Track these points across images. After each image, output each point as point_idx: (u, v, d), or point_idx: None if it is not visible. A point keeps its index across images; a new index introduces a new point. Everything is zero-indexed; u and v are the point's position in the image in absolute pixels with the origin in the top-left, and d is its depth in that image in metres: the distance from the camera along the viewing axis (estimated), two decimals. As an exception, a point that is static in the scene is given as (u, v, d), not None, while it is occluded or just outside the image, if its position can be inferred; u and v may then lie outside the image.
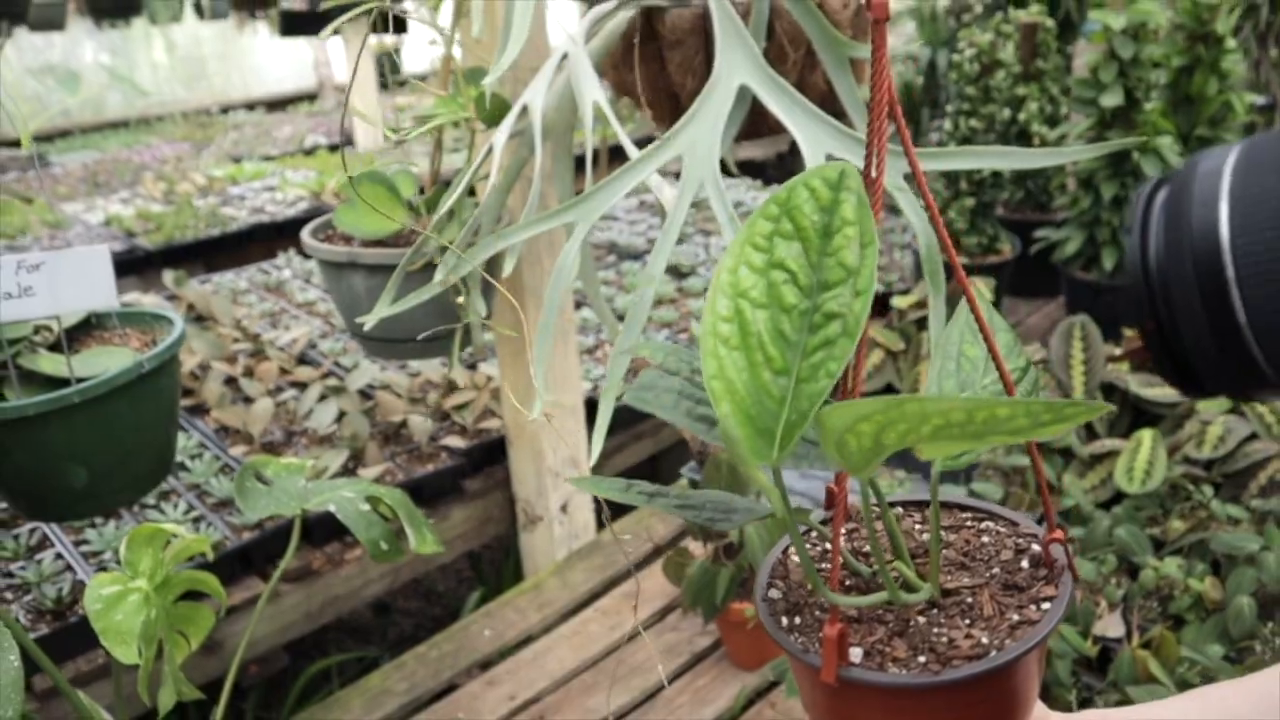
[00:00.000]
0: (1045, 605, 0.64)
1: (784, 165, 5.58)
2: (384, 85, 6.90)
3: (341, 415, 2.90)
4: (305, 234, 1.87)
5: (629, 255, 4.30)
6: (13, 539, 2.43)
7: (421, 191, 1.81)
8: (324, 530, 2.48)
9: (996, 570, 0.68)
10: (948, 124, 3.61)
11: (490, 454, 2.78)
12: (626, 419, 2.93)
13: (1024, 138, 3.57)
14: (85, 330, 1.71)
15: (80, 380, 1.49)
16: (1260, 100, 3.82)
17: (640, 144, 1.21)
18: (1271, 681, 0.73)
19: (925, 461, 0.67)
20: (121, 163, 6.87)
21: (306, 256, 1.86)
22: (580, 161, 1.29)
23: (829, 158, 1.17)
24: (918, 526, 0.74)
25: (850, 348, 0.58)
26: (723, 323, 0.61)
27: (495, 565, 3.05)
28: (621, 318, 3.43)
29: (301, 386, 3.16)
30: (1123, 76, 3.00)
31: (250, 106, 9.33)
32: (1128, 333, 2.74)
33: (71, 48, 8.86)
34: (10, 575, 2.30)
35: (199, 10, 7.72)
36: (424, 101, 1.57)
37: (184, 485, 2.63)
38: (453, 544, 2.70)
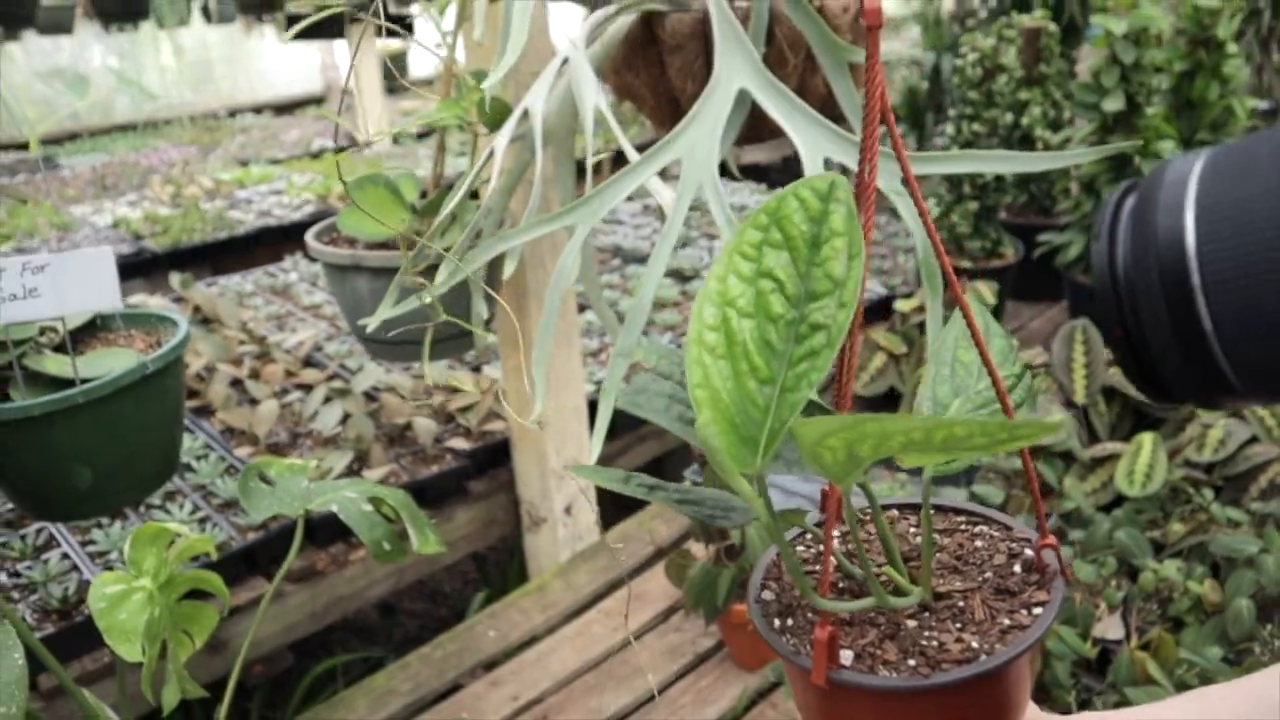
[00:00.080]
0: (1037, 610, 0.64)
1: (788, 169, 5.59)
2: (390, 89, 6.93)
3: (346, 417, 2.91)
4: (310, 237, 1.89)
5: (634, 259, 4.31)
6: (19, 539, 2.44)
7: (424, 195, 1.82)
8: (328, 531, 2.49)
9: (989, 575, 0.68)
10: (950, 128, 3.62)
11: (494, 456, 2.79)
12: (631, 421, 2.94)
13: (1027, 142, 3.58)
14: (90, 332, 1.72)
15: (85, 381, 1.50)
16: (1263, 105, 3.82)
17: (642, 148, 1.22)
18: (1271, 682, 0.74)
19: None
20: (129, 166, 6.89)
21: (313, 260, 1.87)
22: (582, 165, 1.30)
23: (827, 161, 1.18)
24: (912, 530, 0.75)
25: (832, 358, 0.59)
26: (709, 331, 0.61)
27: (500, 567, 3.06)
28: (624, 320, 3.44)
29: (307, 389, 3.17)
30: (1125, 81, 3.01)
31: (257, 110, 9.35)
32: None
33: (80, 51, 8.89)
34: (17, 575, 2.32)
35: (206, 14, 7.73)
36: (429, 105, 1.58)
37: (190, 486, 2.64)
38: (457, 545, 2.71)
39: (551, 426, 2.46)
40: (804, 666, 0.60)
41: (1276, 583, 1.79)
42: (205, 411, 3.05)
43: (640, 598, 2.47)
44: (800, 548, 0.73)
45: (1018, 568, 0.69)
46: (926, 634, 0.63)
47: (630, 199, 5.09)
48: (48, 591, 2.21)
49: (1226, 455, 2.14)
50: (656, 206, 5.13)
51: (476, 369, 3.21)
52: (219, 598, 1.44)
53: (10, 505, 2.57)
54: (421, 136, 7.14)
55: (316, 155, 7.08)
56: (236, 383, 3.21)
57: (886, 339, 2.95)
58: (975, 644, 0.62)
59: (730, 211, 1.15)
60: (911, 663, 0.61)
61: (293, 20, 6.47)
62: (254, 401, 3.08)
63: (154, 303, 3.90)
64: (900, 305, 3.06)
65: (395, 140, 7.15)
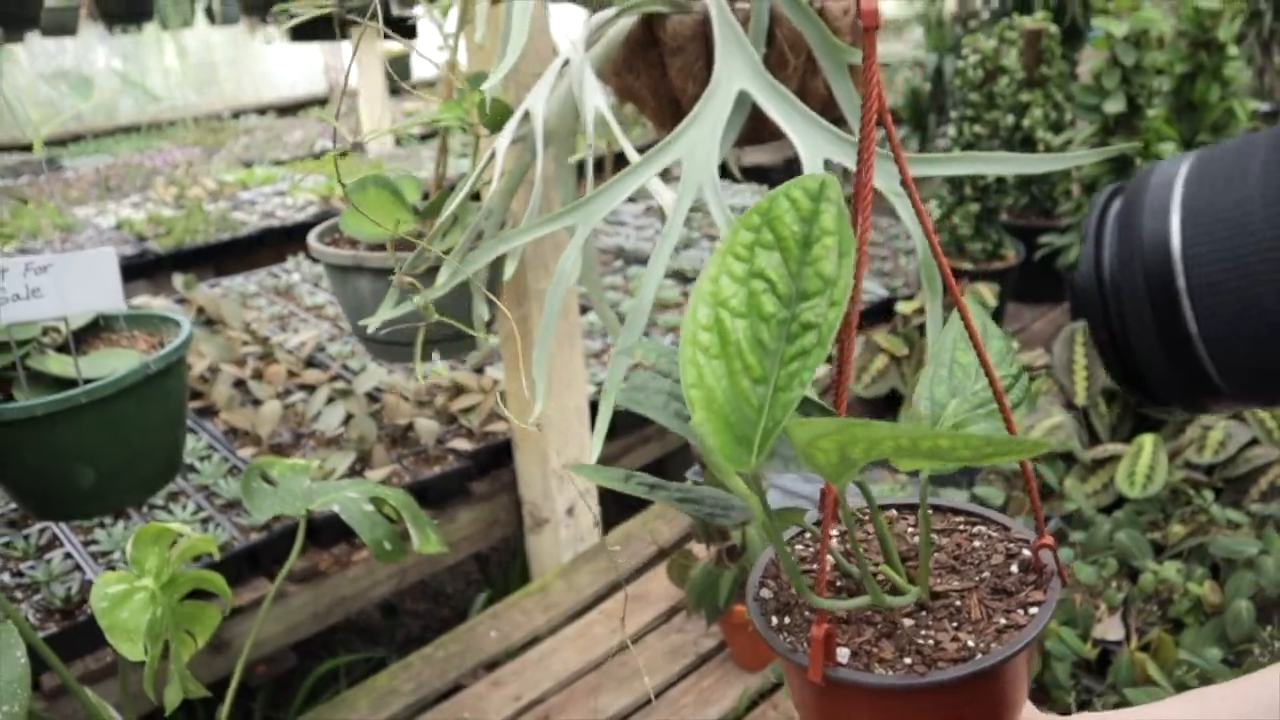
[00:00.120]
0: (1033, 610, 0.64)
1: (791, 171, 5.56)
2: (394, 91, 6.93)
3: (349, 418, 2.92)
4: (312, 238, 1.89)
5: (636, 260, 4.31)
6: (22, 539, 2.45)
7: (426, 196, 1.82)
8: (331, 532, 2.50)
9: (986, 574, 0.69)
10: (951, 130, 3.62)
11: (497, 456, 2.80)
12: (634, 422, 2.94)
13: (1029, 144, 3.58)
14: (93, 332, 1.73)
15: (88, 381, 1.51)
16: (1264, 107, 3.82)
17: (644, 150, 1.23)
18: (1269, 682, 0.74)
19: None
20: (133, 167, 6.90)
21: (315, 261, 1.88)
22: (583, 166, 1.30)
23: (827, 163, 1.18)
24: (910, 530, 0.75)
25: (823, 357, 0.59)
26: (702, 331, 0.62)
27: (503, 567, 3.07)
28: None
29: (310, 389, 3.18)
30: (1125, 83, 3.01)
31: (261, 111, 9.36)
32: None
33: (84, 53, 8.91)
34: (20, 574, 2.32)
35: (210, 15, 7.74)
36: (432, 107, 1.59)
37: (193, 486, 2.65)
38: (459, 546, 2.72)
39: (554, 427, 2.47)
40: (801, 664, 0.61)
41: (1276, 584, 1.79)
42: (208, 412, 3.06)
43: (642, 598, 2.48)
44: (799, 547, 0.73)
45: (1015, 568, 0.69)
46: (923, 633, 0.64)
47: (633, 200, 5.09)
48: (50, 591, 2.22)
49: (1227, 457, 2.14)
50: (659, 208, 5.13)
51: (479, 370, 3.22)
52: (221, 598, 1.44)
53: (13, 505, 2.58)
54: (425, 138, 7.15)
55: (319, 156, 7.09)
56: (239, 383, 3.22)
57: (888, 341, 2.95)
58: (971, 643, 0.62)
59: (730, 213, 1.16)
60: (908, 661, 0.61)
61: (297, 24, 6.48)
62: (257, 402, 3.09)
63: (157, 304, 3.91)
64: (902, 307, 3.06)
65: (399, 142, 7.17)
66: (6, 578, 2.32)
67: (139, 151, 7.60)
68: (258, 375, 3.27)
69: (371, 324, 1.36)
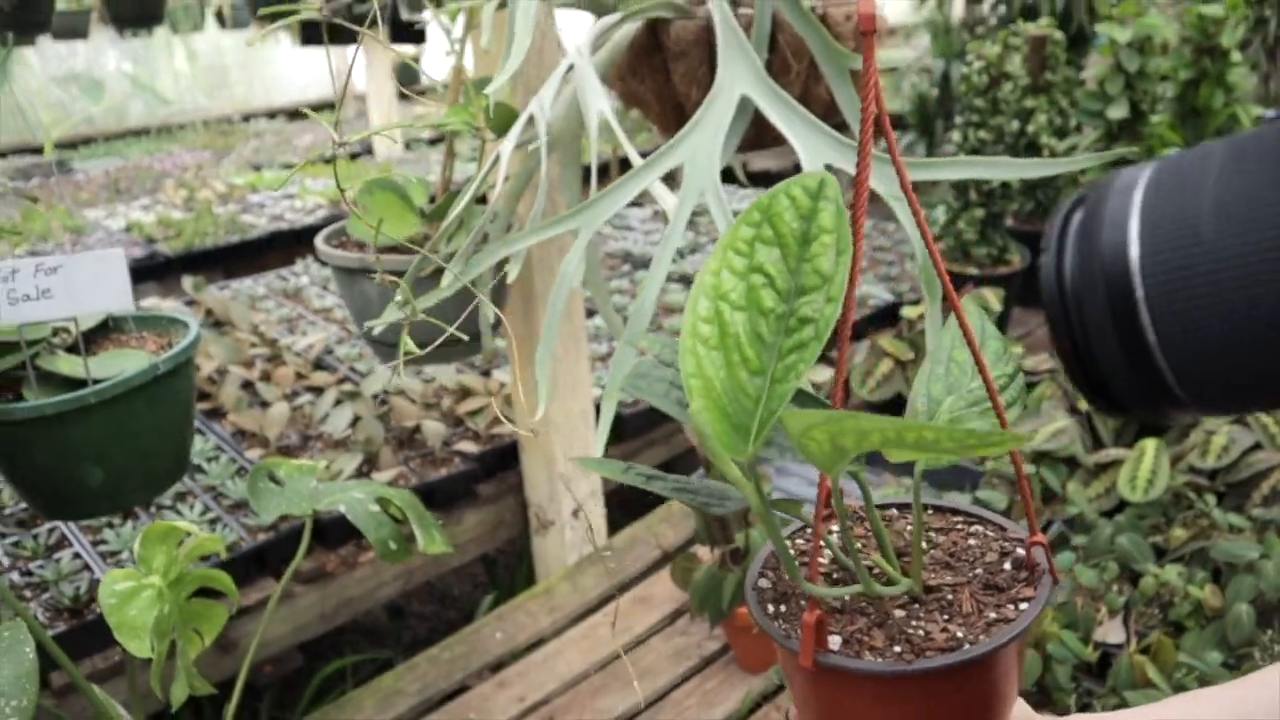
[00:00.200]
0: (1023, 605, 0.66)
1: (798, 175, 5.59)
2: (403, 95, 6.96)
3: (356, 420, 2.94)
4: (319, 240, 1.91)
5: (643, 264, 4.32)
6: (31, 538, 2.47)
7: (433, 200, 1.84)
8: (338, 533, 2.51)
9: (979, 571, 0.70)
10: (956, 135, 3.63)
11: (503, 459, 2.81)
12: (640, 426, 2.95)
13: (1034, 149, 3.59)
14: (102, 333, 1.74)
15: (97, 381, 1.53)
16: (1269, 113, 3.81)
17: (649, 154, 1.24)
18: (1263, 684, 0.75)
19: (927, 469, 0.70)
20: (143, 170, 6.93)
21: (324, 264, 1.89)
22: (588, 169, 1.32)
23: (828, 168, 1.20)
24: (909, 528, 0.77)
25: (819, 350, 0.61)
26: (703, 323, 0.64)
27: (509, 570, 3.08)
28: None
29: (317, 391, 3.20)
30: (1129, 89, 3.02)
31: (271, 115, 9.39)
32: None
33: (95, 56, 8.94)
34: (29, 573, 2.34)
35: (220, 19, 7.77)
36: (441, 111, 1.60)
37: (200, 487, 2.66)
38: (465, 548, 2.73)
39: (559, 430, 2.48)
40: (793, 650, 0.63)
41: (1277, 589, 1.80)
42: (217, 414, 3.07)
43: (647, 601, 2.49)
44: (800, 541, 0.75)
45: (1008, 565, 0.70)
46: (914, 623, 0.65)
47: (640, 205, 5.11)
48: (59, 590, 2.24)
49: (1229, 462, 2.15)
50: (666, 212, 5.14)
51: (486, 373, 3.23)
52: (228, 597, 1.46)
53: (23, 504, 2.60)
54: (434, 142, 7.17)
55: (329, 160, 7.09)
56: (248, 385, 3.23)
57: (893, 345, 2.96)
58: (960, 634, 0.64)
59: (732, 216, 1.17)
60: (897, 649, 0.63)
61: (307, 26, 6.51)
62: (265, 404, 3.10)
63: (166, 306, 3.93)
64: (907, 311, 3.07)
65: (408, 146, 7.19)
66: (16, 577, 2.33)
67: (149, 154, 7.63)
68: (266, 377, 3.28)
69: (377, 326, 1.37)
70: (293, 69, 10.13)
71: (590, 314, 3.54)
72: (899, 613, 0.67)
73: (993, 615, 0.66)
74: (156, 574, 1.34)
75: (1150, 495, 2.08)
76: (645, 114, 1.64)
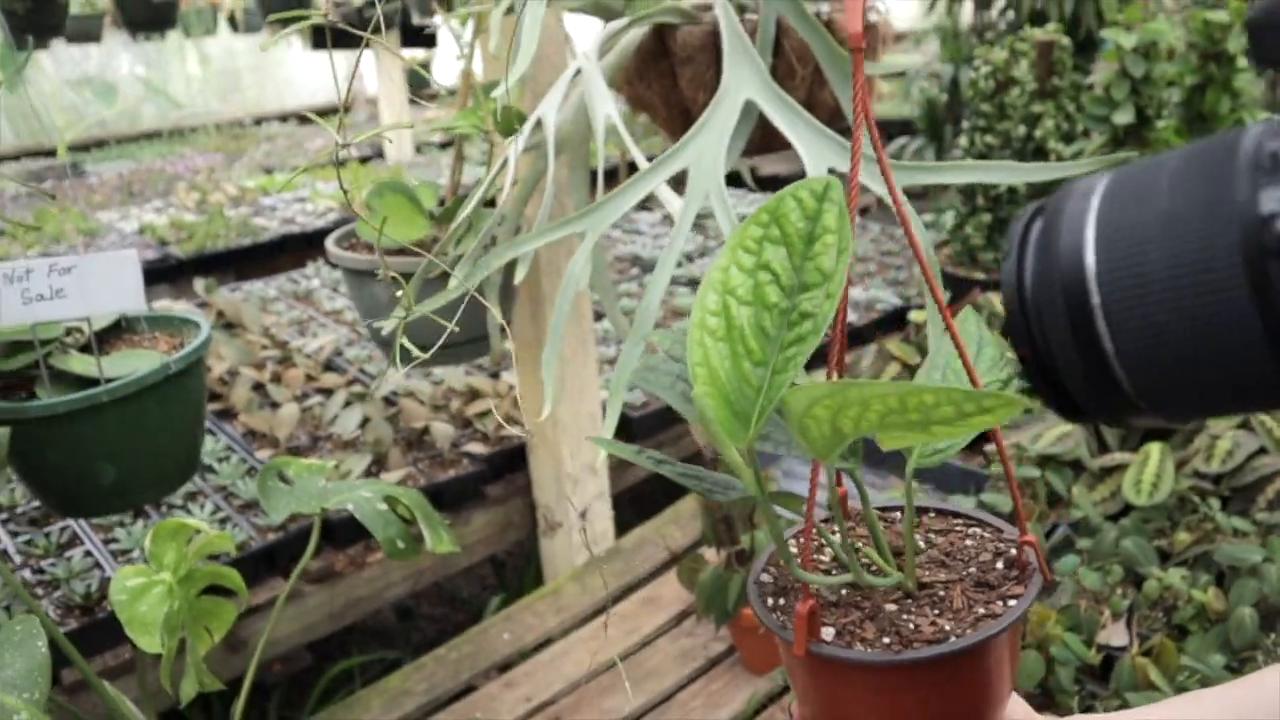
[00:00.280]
0: (1011, 602, 0.68)
1: (807, 180, 5.60)
2: (414, 99, 6.99)
3: (366, 421, 2.95)
4: (330, 242, 1.92)
5: (651, 268, 4.34)
6: (43, 536, 2.49)
7: (442, 203, 1.86)
8: (347, 532, 2.53)
9: (973, 569, 0.72)
10: (964, 140, 3.64)
11: (511, 460, 2.82)
12: (649, 428, 2.97)
13: (1041, 154, 3.59)
14: (115, 333, 1.76)
15: (109, 380, 1.54)
16: (1276, 118, 3.80)
17: (655, 158, 1.26)
18: (1267, 683, 0.75)
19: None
20: (155, 173, 6.96)
21: (334, 266, 1.91)
22: (595, 173, 1.33)
23: (831, 171, 1.21)
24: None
25: (816, 343, 0.63)
26: (711, 316, 0.66)
27: (517, 572, 3.10)
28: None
29: (327, 393, 3.22)
30: (1135, 94, 3.03)
31: (283, 118, 9.43)
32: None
33: (108, 60, 8.99)
34: (41, 571, 2.36)
35: (233, 23, 7.81)
36: (450, 115, 1.62)
37: (211, 487, 2.68)
38: (473, 549, 2.74)
39: (567, 432, 2.49)
40: (788, 640, 0.65)
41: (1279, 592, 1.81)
42: (228, 414, 3.09)
43: (654, 602, 2.50)
44: (803, 540, 0.77)
45: (1000, 564, 0.72)
46: (904, 617, 0.67)
47: (649, 209, 5.12)
48: (70, 588, 2.26)
49: (1234, 466, 2.16)
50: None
51: (495, 375, 3.25)
52: (238, 594, 1.47)
53: (35, 502, 2.62)
54: (445, 146, 7.20)
55: (341, 163, 7.11)
56: (258, 386, 3.25)
57: (900, 349, 2.97)
58: (948, 627, 0.65)
59: (737, 220, 1.18)
60: (886, 640, 0.65)
61: (318, 31, 6.54)
62: (275, 405, 3.12)
63: (178, 307, 3.95)
64: (914, 316, 3.08)
65: (419, 149, 7.22)
66: (28, 574, 2.35)
67: (161, 157, 7.67)
68: (276, 379, 3.31)
69: (385, 327, 1.39)
70: (304, 73, 10.17)
71: (599, 317, 3.55)
72: (891, 607, 0.69)
73: (981, 611, 0.67)
74: (167, 570, 1.36)
75: (1155, 499, 2.09)
76: (652, 118, 1.65)
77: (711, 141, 1.23)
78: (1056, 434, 2.33)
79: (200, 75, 9.85)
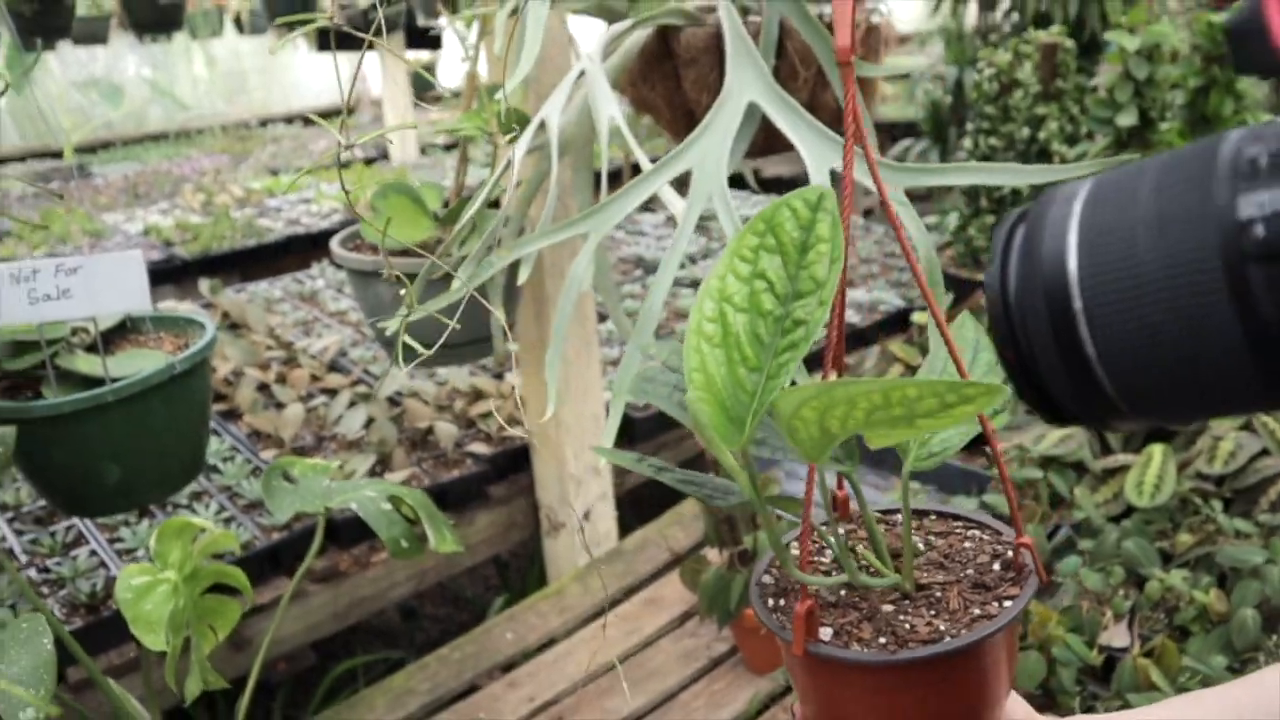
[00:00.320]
0: (1007, 603, 0.69)
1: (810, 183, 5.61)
2: (418, 101, 7.00)
3: (370, 421, 2.96)
4: (334, 243, 1.93)
5: (655, 270, 4.34)
6: (49, 535, 2.50)
7: (447, 204, 1.86)
8: (351, 532, 2.53)
9: (970, 571, 0.73)
10: (968, 142, 3.64)
11: (515, 461, 2.83)
12: (651, 429, 2.97)
13: (1044, 156, 3.60)
14: (121, 333, 1.77)
15: (115, 380, 1.55)
16: (1276, 120, 3.80)
17: (658, 160, 1.26)
18: (1267, 683, 0.76)
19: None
20: (161, 174, 6.97)
21: (339, 267, 1.92)
22: (599, 174, 1.34)
23: (832, 173, 1.22)
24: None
25: (807, 349, 0.64)
26: (707, 323, 0.67)
27: (521, 572, 3.10)
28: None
29: (332, 393, 3.23)
30: (1139, 97, 3.03)
31: (289, 120, 9.44)
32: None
33: (114, 61, 9.00)
34: (46, 570, 2.37)
35: (239, 25, 7.82)
36: (454, 116, 1.63)
37: (216, 487, 2.69)
38: (477, 549, 2.75)
39: (570, 432, 2.50)
40: (787, 639, 0.65)
41: (1281, 593, 1.81)
42: (232, 415, 3.10)
43: (657, 602, 2.51)
44: (774, 523, 0.77)
45: (997, 566, 0.73)
46: (901, 618, 0.68)
47: (653, 211, 5.13)
48: (76, 587, 2.27)
49: (1236, 468, 2.16)
50: (680, 218, 5.15)
51: (499, 376, 3.26)
52: (242, 593, 1.48)
53: (41, 501, 2.63)
54: (449, 148, 7.21)
55: (346, 165, 7.12)
56: (263, 387, 3.26)
57: (904, 350, 2.98)
58: (943, 628, 0.66)
59: (739, 222, 1.19)
60: (882, 640, 0.66)
61: (324, 33, 6.55)
62: (280, 405, 3.13)
63: (183, 308, 3.96)
64: (917, 317, 3.09)
65: (424, 151, 7.23)
66: (33, 573, 2.36)
67: (167, 159, 7.68)
68: (281, 379, 3.31)
69: (390, 327, 1.39)
70: (310, 74, 10.18)
71: (602, 318, 3.56)
72: (888, 608, 0.69)
73: (977, 612, 0.68)
74: (172, 569, 1.37)
75: (1157, 500, 2.09)
76: (656, 120, 1.66)
77: (714, 143, 1.23)
78: (1059, 435, 2.34)
79: (206, 77, 9.86)
